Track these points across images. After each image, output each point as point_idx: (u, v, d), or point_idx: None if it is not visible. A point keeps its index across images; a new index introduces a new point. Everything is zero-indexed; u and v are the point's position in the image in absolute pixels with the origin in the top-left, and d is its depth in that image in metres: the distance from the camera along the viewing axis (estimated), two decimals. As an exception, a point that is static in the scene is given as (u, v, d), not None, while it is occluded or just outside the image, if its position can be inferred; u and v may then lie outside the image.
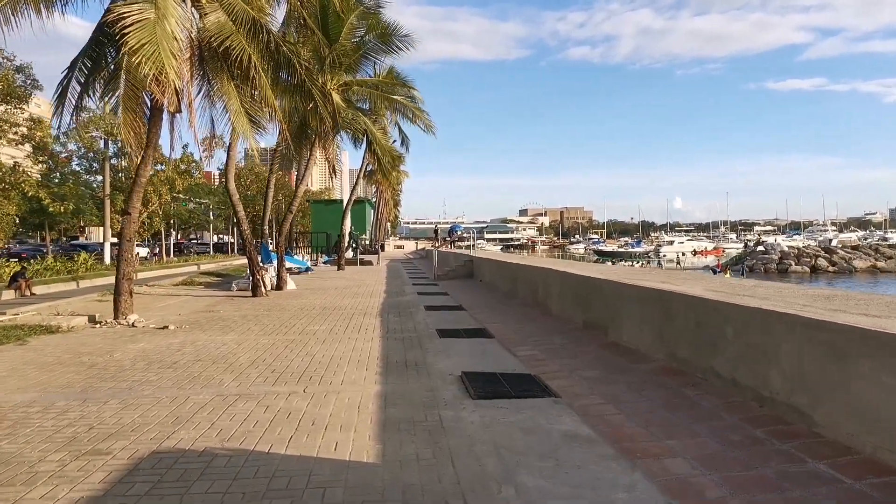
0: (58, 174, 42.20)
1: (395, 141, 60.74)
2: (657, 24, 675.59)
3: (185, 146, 50.88)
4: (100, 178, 44.15)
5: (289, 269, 24.40)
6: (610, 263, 53.35)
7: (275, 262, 19.51)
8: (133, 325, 11.13)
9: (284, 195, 75.62)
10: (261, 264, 20.57)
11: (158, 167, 48.21)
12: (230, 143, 16.44)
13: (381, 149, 19.98)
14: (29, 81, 28.99)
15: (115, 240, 52.07)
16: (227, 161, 16.66)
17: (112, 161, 45.27)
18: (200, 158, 36.83)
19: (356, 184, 32.70)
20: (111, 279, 28.49)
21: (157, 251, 58.91)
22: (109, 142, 43.12)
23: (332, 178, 24.06)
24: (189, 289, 20.11)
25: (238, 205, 16.86)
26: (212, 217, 72.75)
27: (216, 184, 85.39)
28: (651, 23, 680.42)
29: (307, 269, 26.63)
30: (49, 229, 68.78)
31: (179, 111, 11.52)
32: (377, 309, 13.60)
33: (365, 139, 22.16)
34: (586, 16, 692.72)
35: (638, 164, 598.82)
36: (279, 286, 18.69)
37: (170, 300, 16.17)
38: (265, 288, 16.73)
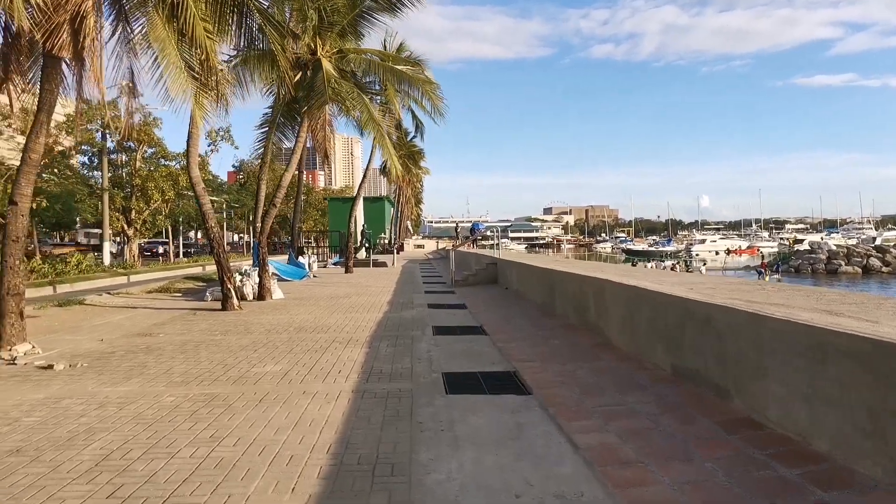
0: (55, 169, 39.60)
1: (412, 136, 57.61)
2: (681, 21, 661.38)
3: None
4: (98, 173, 41.60)
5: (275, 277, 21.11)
6: (651, 265, 49.36)
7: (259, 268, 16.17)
8: (13, 362, 7.81)
9: (305, 196, 72.92)
10: (250, 269, 17.34)
11: (162, 162, 45.58)
12: (191, 119, 13.09)
13: (379, 133, 16.42)
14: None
15: (118, 239, 49.66)
16: (188, 140, 13.32)
17: (112, 156, 42.64)
18: (112, 130, 32.40)
19: (364, 176, 29.25)
20: (98, 283, 25.65)
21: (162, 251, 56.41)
22: (108, 135, 40.39)
23: (324, 164, 20.61)
24: (158, 297, 16.87)
25: (203, 196, 13.49)
26: (224, 216, 70.17)
27: (234, 181, 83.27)
28: (675, 19, 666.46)
29: (302, 276, 23.20)
30: (67, 228, 66.87)
31: (78, 58, 8.17)
32: (369, 331, 10.14)
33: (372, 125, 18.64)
34: (610, 13, 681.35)
35: (663, 163, 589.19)
36: (261, 295, 15.33)
37: (117, 314, 12.90)
38: (237, 299, 13.36)
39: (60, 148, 38.66)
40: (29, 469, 4.15)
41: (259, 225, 18.96)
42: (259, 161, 18.59)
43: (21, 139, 37.55)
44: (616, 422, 4.95)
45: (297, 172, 35.79)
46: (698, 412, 5.03)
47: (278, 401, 5.83)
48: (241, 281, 15.96)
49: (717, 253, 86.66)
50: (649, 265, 47.66)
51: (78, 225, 59.86)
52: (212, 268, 35.56)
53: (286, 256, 28.71)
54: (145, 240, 57.21)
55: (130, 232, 43.06)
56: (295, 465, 4.17)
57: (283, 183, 15.62)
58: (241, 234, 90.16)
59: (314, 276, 24.39)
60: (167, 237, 62.09)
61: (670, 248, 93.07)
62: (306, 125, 15.50)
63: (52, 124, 37.64)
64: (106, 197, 38.91)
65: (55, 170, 39.39)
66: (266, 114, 17.26)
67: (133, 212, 42.59)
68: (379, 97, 23.77)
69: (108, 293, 17.46)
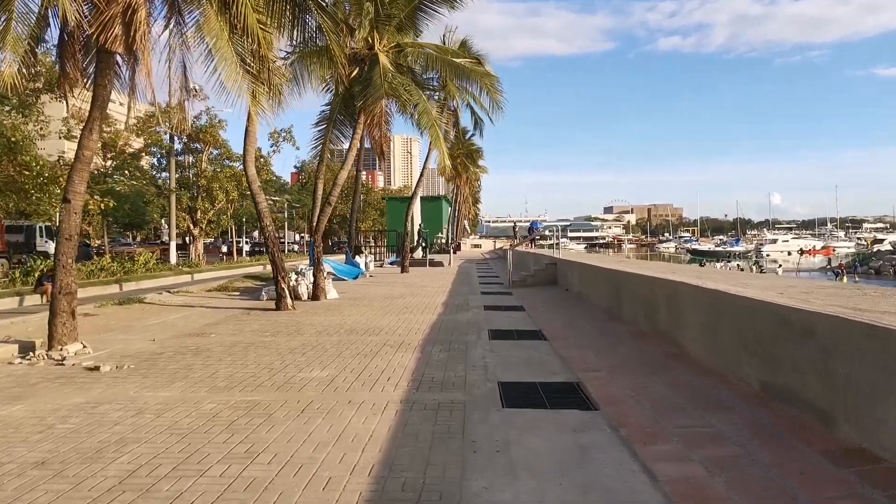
0: (126, 171, 41.02)
1: (470, 135, 56.92)
2: (754, 10, 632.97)
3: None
4: (166, 174, 42.87)
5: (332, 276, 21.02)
6: (719, 266, 47.24)
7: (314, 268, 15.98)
8: (61, 362, 7.71)
9: (364, 196, 73.57)
10: (306, 268, 17.24)
11: (226, 163, 46.64)
12: (248, 117, 12.99)
13: (433, 126, 15.92)
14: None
15: (183, 239, 51.18)
16: (245, 137, 13.23)
17: (179, 157, 43.84)
18: (171, 128, 31.41)
19: (421, 175, 28.87)
20: (162, 281, 26.27)
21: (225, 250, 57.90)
22: (175, 136, 41.57)
23: (381, 161, 20.23)
24: (215, 296, 16.95)
25: (259, 194, 13.38)
26: (285, 216, 71.57)
27: (296, 181, 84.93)
28: (748, 9, 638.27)
29: (357, 276, 23.04)
30: (139, 228, 69.78)
31: (130, 52, 8.02)
32: (422, 334, 9.68)
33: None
34: (677, 4, 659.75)
35: (731, 159, 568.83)
36: (315, 295, 15.13)
37: (173, 313, 12.91)
38: (290, 299, 13.16)
39: (131, 150, 40.06)
40: (50, 485, 3.84)
41: (314, 223, 18.87)
42: (317, 160, 18.43)
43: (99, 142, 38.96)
44: (700, 448, 4.28)
45: (355, 171, 36.03)
46: (797, 439, 4.31)
47: (321, 411, 5.41)
48: (296, 280, 15.84)
49: (789, 253, 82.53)
50: (717, 266, 45.59)
51: (164, 226, 62.53)
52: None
53: (344, 256, 28.73)
54: (209, 240, 59.17)
55: (196, 231, 44.20)
56: (332, 489, 3.71)
57: (339, 181, 15.37)
58: (303, 234, 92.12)
59: (370, 276, 24.23)
60: (231, 237, 63.86)
61: (739, 248, 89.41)
62: (363, 121, 15.21)
63: (123, 127, 38.72)
64: (173, 198, 39.95)
65: (126, 171, 40.82)
66: (323, 111, 17.15)
67: (199, 212, 43.70)
68: (437, 94, 23.42)
69: (169, 291, 17.69)
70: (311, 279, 15.56)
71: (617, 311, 10.69)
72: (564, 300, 14.36)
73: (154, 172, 45.28)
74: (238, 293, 18.09)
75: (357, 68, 15.74)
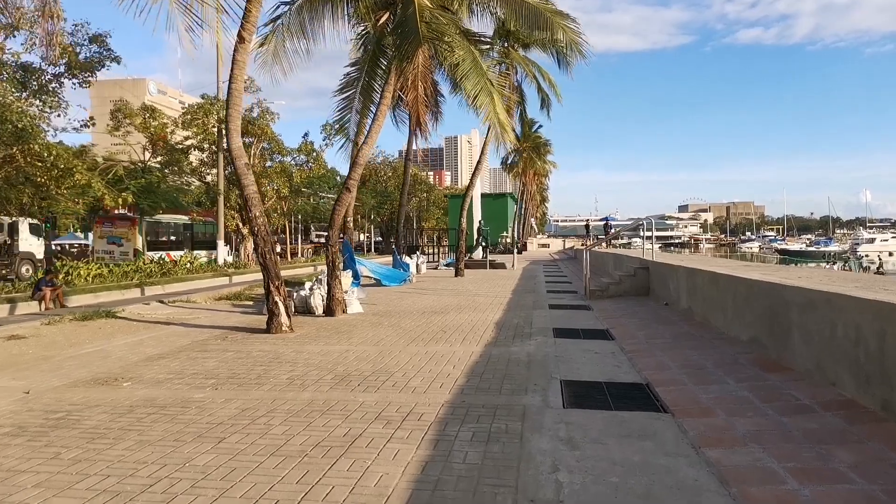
0: (175, 166, 38.91)
1: (538, 127, 52.50)
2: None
3: (306, 135, 46.62)
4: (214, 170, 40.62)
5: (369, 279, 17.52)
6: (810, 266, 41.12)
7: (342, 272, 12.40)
8: None
9: (423, 192, 70.24)
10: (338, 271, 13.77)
11: (276, 158, 44.10)
12: (231, 72, 9.50)
13: (484, 84, 12.06)
14: (104, 52, 24.68)
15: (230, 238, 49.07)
16: (227, 96, 9.78)
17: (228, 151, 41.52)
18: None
19: (479, 162, 24.88)
20: (193, 284, 23.47)
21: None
22: (223, 130, 39.23)
23: (416, 136, 16.48)
24: (215, 307, 13.68)
25: (245, 175, 9.86)
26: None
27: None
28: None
29: (403, 280, 19.49)
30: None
31: None
32: (449, 390, 5.84)
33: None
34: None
35: (814, 156, 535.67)
36: (329, 309, 11.56)
37: (131, 335, 9.61)
38: (286, 317, 9.56)
39: (178, 145, 37.76)
40: None
41: (346, 220, 15.29)
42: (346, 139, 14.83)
43: (140, 136, 36.94)
44: None
45: (405, 161, 32.32)
46: None
47: None
48: (310, 290, 12.36)
49: (890, 254, 74.16)
50: (833, 268, 39.62)
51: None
52: (323, 267, 32.70)
53: (391, 257, 25.23)
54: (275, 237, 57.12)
55: (245, 231, 41.84)
56: None
57: (360, 160, 11.71)
58: (367, 234, 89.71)
59: (416, 281, 20.57)
60: (288, 235, 61.79)
61: (833, 248, 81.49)
62: (393, 82, 11.51)
63: (168, 119, 36.45)
64: (221, 196, 37.54)
65: (174, 167, 38.61)
66: (348, 73, 13.49)
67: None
68: (495, 60, 19.55)
69: (162, 301, 14.54)
70: (325, 289, 12.01)
71: (774, 350, 6.51)
72: (668, 321, 10.16)
73: (204, 169, 43.17)
74: (251, 303, 14.83)
75: (387, 13, 12.09)
